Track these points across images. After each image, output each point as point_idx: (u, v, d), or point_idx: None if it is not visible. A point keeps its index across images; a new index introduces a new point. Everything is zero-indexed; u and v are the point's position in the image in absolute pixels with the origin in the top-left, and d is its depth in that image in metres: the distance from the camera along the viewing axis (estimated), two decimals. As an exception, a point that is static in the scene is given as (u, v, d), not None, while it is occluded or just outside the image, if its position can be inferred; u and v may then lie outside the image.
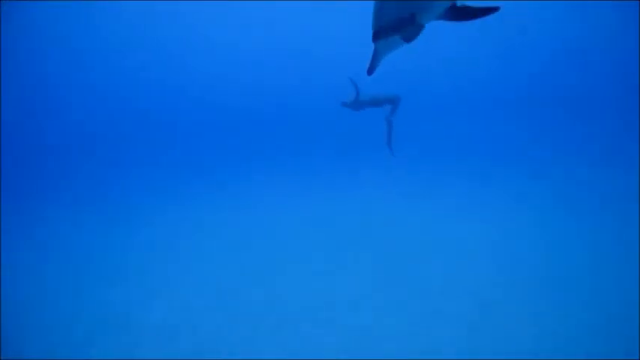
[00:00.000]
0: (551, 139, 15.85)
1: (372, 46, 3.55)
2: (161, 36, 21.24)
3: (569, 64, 21.94)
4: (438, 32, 23.10)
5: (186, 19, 20.31)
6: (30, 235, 11.82)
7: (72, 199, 16.14)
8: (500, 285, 5.73)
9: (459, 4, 2.67)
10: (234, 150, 20.18)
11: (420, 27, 3.06)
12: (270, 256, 7.80)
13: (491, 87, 23.03)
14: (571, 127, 16.85)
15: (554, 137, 16.10)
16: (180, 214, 12.18)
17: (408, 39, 3.24)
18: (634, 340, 4.23)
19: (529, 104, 21.07)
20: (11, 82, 18.15)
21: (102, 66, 21.59)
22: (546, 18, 21.73)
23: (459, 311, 5.24)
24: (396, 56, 5.29)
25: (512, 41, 22.86)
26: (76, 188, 18.12)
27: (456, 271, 6.33)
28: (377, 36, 3.26)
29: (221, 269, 7.42)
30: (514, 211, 8.75)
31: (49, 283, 7.86)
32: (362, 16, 22.31)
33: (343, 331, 5.13)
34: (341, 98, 8.10)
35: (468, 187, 11.17)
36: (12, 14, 15.67)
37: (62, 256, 9.62)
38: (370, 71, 3.99)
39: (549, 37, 22.34)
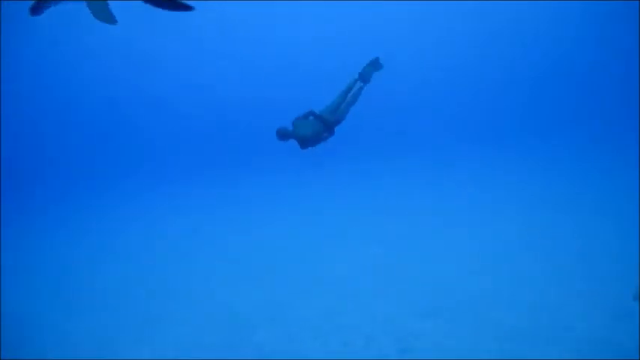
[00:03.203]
0: (550, 139, 15.87)
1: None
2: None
3: (568, 64, 21.95)
4: (438, 33, 23.15)
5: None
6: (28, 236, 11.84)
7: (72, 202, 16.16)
8: (496, 285, 5.74)
9: None
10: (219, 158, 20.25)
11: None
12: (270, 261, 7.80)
13: (491, 87, 23.04)
14: (571, 127, 16.86)
15: (554, 137, 16.11)
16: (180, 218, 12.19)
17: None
18: (634, 340, 4.23)
19: (529, 105, 21.09)
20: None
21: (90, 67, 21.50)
22: (546, 18, 21.76)
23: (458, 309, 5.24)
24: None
25: (511, 41, 22.88)
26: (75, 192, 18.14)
27: (454, 274, 6.34)
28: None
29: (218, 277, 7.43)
30: (512, 211, 8.75)
31: (48, 284, 7.87)
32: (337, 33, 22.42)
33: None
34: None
35: (466, 187, 11.17)
36: (11, 15, 15.69)
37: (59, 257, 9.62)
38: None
39: (549, 38, 22.36)
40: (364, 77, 5.84)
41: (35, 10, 2.46)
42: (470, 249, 7.12)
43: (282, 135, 5.20)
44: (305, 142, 5.25)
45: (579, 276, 5.67)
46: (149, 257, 8.61)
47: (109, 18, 2.69)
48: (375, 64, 5.94)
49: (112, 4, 2.71)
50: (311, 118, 5.40)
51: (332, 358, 4.57)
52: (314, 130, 5.28)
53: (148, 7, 2.53)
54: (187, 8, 2.57)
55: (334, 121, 5.40)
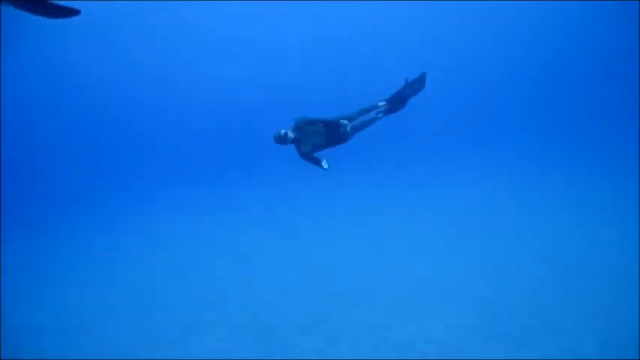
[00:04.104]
0: (550, 140, 15.85)
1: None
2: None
3: (568, 64, 21.93)
4: (438, 33, 23.10)
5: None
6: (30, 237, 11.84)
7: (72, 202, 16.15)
8: (494, 286, 5.74)
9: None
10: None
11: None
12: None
13: (490, 88, 23.01)
14: (570, 127, 16.84)
15: (553, 137, 16.09)
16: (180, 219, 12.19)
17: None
18: (634, 340, 4.23)
19: (529, 105, 21.06)
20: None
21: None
22: (547, 18, 21.72)
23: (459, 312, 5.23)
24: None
25: (510, 41, 22.85)
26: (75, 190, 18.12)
27: (455, 277, 6.33)
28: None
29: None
30: (515, 209, 8.74)
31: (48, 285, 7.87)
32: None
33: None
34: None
35: (464, 188, 11.17)
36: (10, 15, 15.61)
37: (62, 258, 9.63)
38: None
39: (548, 38, 22.33)
40: (400, 99, 5.06)
41: None
42: (464, 253, 7.11)
43: (281, 140, 4.58)
44: (306, 152, 4.64)
45: (578, 274, 5.67)
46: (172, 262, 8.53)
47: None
48: (418, 84, 5.14)
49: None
50: (320, 125, 4.78)
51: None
52: (317, 141, 4.71)
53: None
54: (72, 13, 2.29)
55: (340, 136, 4.78)
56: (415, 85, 5.16)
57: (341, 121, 4.74)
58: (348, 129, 4.77)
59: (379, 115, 5.04)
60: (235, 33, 21.85)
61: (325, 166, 4.55)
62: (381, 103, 5.06)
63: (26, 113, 21.33)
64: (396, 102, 5.08)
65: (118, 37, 19.68)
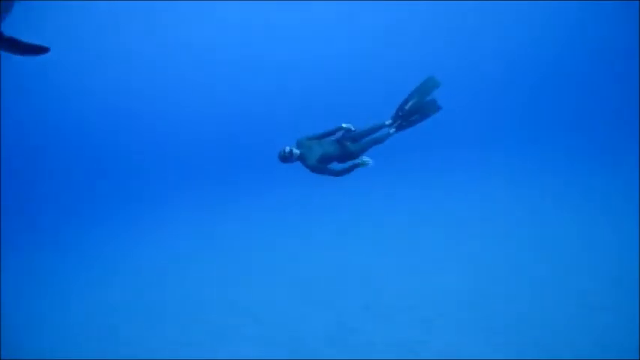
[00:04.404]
0: (549, 140, 15.84)
1: None
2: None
3: (568, 65, 21.92)
4: (437, 34, 23.11)
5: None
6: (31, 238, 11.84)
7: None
8: (488, 286, 5.73)
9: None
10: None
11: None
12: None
13: (489, 89, 23.00)
14: (570, 128, 16.83)
15: (552, 138, 16.08)
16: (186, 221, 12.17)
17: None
18: (634, 340, 4.23)
19: (529, 106, 21.05)
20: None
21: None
22: (546, 19, 21.72)
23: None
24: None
25: (510, 42, 22.83)
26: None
27: (457, 280, 6.33)
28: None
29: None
30: (517, 211, 8.74)
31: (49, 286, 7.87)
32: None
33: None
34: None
35: (464, 189, 11.17)
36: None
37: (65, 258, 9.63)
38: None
39: (549, 39, 22.32)
40: (405, 112, 4.69)
41: None
42: (464, 255, 7.11)
43: (286, 158, 4.28)
44: (314, 165, 4.28)
45: (578, 275, 5.67)
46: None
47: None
48: (423, 92, 4.72)
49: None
50: (332, 138, 4.54)
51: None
52: (324, 153, 4.40)
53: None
54: (42, 51, 2.32)
55: (354, 151, 4.47)
56: (420, 94, 4.75)
57: (347, 144, 4.47)
58: (352, 148, 4.50)
59: (391, 132, 4.72)
60: (250, 43, 21.77)
61: (370, 162, 4.26)
62: (387, 122, 4.77)
63: (26, 113, 21.32)
64: (405, 116, 4.74)
65: (128, 39, 19.69)
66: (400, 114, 4.73)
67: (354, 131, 4.58)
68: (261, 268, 7.83)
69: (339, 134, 4.58)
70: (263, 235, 10.01)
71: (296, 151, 4.27)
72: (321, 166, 4.29)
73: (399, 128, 4.74)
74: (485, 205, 9.45)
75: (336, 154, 4.46)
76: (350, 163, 4.32)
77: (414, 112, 4.73)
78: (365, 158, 4.30)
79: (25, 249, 10.45)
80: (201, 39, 21.38)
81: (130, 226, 12.16)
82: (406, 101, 4.75)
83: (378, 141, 4.64)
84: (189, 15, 19.67)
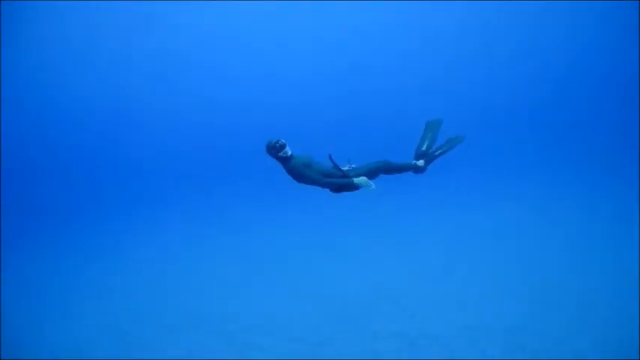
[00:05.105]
0: (549, 139, 15.85)
1: None
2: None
3: (567, 66, 21.91)
4: (437, 34, 23.11)
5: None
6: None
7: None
8: (488, 286, 5.73)
9: None
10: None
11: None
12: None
13: (490, 91, 23.00)
14: (570, 130, 16.83)
15: (552, 137, 16.09)
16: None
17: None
18: (634, 340, 4.23)
19: (530, 108, 21.05)
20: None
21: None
22: (546, 19, 21.71)
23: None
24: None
25: (510, 44, 22.82)
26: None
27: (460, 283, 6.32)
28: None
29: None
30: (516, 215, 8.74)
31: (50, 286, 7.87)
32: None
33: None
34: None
35: (465, 191, 11.17)
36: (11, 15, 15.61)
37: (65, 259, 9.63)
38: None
39: (549, 39, 22.31)
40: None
41: None
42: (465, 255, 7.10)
43: (273, 149, 3.95)
44: (315, 178, 4.01)
45: (578, 280, 5.67)
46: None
47: None
48: (436, 127, 4.60)
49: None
50: (331, 165, 4.13)
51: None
52: (319, 174, 4.04)
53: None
54: None
55: (346, 185, 4.03)
56: (430, 137, 4.58)
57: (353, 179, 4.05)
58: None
59: (420, 164, 4.47)
60: (251, 31, 21.70)
61: (372, 186, 3.99)
62: (420, 163, 4.46)
63: (26, 114, 21.32)
64: (428, 154, 4.55)
65: (128, 39, 19.70)
66: (421, 153, 4.55)
67: (383, 168, 4.22)
68: (281, 281, 7.25)
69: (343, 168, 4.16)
70: (270, 241, 9.51)
71: (288, 150, 3.92)
72: (317, 177, 3.98)
73: (427, 163, 4.53)
74: (495, 218, 8.79)
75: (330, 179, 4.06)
76: (347, 182, 4.00)
77: (434, 149, 4.58)
78: (364, 180, 3.97)
79: (25, 249, 10.45)
80: (201, 42, 21.39)
81: (131, 226, 12.16)
82: (420, 145, 4.59)
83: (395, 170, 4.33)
84: (189, 15, 19.69)
